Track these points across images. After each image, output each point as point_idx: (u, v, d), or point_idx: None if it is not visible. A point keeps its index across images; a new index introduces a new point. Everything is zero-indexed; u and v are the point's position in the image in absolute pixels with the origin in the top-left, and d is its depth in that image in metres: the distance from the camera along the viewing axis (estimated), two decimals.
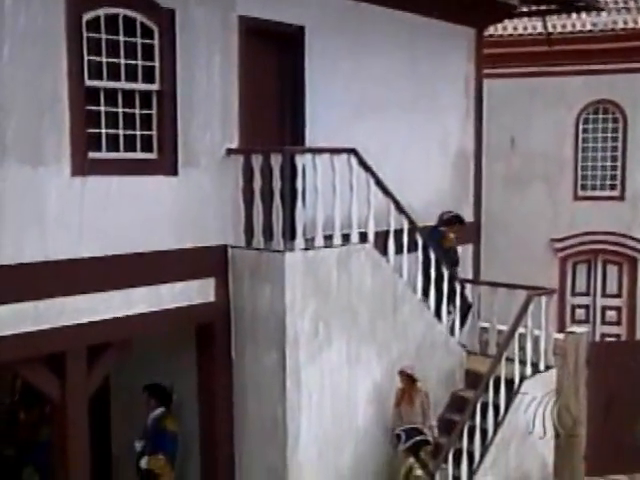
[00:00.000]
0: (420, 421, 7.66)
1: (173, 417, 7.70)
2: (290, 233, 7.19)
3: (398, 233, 8.30)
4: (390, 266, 8.14)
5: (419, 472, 7.02)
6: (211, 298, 7.34)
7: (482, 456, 8.18)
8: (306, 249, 7.25)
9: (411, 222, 8.40)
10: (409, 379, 7.75)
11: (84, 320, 6.36)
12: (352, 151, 7.65)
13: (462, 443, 7.98)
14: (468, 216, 10.29)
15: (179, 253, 7.02)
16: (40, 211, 6.09)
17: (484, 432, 8.26)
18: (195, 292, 7.20)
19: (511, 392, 8.53)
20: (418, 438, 7.62)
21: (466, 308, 9.25)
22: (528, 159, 14.84)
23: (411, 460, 7.08)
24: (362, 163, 7.76)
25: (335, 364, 7.51)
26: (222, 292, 7.38)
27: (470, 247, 10.44)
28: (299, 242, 7.18)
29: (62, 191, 6.22)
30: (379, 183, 7.99)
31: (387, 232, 8.22)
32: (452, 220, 9.48)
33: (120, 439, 8.66)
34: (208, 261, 7.27)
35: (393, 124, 9.06)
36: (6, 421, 9.06)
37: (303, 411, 7.24)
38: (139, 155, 6.84)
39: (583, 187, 14.99)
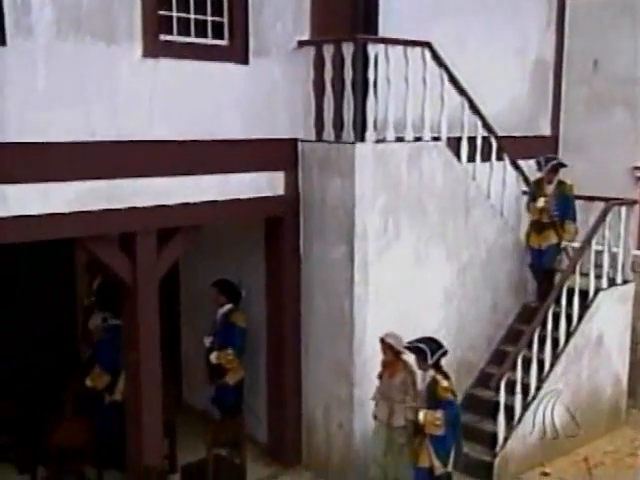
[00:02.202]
0: (399, 399, 6.68)
1: (241, 312, 7.76)
2: (361, 125, 7.05)
3: (471, 140, 8.09)
4: (462, 167, 7.93)
5: (445, 383, 6.32)
6: (280, 192, 7.31)
7: (552, 364, 8.00)
8: (377, 142, 7.11)
9: (485, 124, 8.13)
10: (391, 351, 6.70)
11: (155, 203, 6.38)
12: (427, 45, 7.41)
13: (532, 351, 7.82)
14: (545, 129, 9.91)
15: (249, 144, 6.96)
16: (113, 90, 6.09)
17: (555, 342, 8.09)
18: (264, 185, 7.17)
19: (585, 303, 8.30)
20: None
21: None
22: (611, 83, 14.10)
23: (432, 372, 6.34)
24: (436, 58, 7.52)
25: (403, 262, 7.39)
26: (291, 186, 7.34)
27: None
28: (370, 134, 7.04)
29: (134, 71, 6.20)
30: (453, 80, 7.74)
31: (459, 139, 8.02)
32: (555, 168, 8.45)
33: (189, 335, 8.84)
34: (278, 154, 7.21)
35: (470, 25, 8.67)
36: (84, 322, 9.38)
37: (370, 306, 7.17)
38: (210, 41, 6.76)
39: None
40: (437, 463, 6.34)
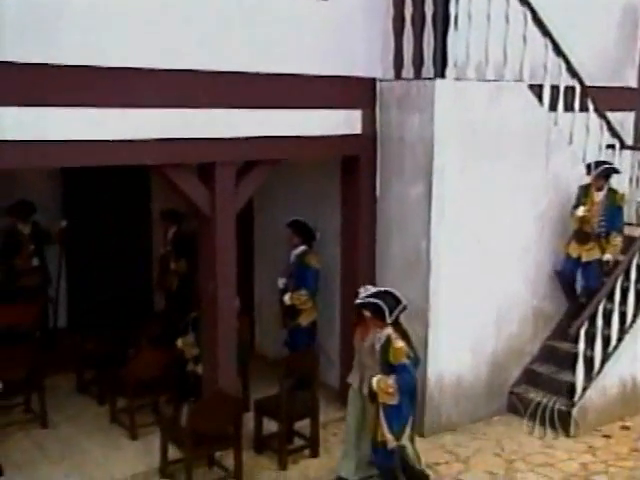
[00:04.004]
0: (369, 365, 5.82)
1: (315, 254, 7.76)
2: (441, 62, 6.93)
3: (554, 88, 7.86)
4: (545, 111, 7.71)
5: (400, 344, 5.58)
6: (357, 130, 7.25)
7: (635, 316, 7.73)
8: (457, 80, 6.98)
9: (569, 67, 7.88)
10: (359, 311, 5.84)
11: (234, 134, 6.41)
12: None
13: (614, 302, 7.57)
14: (631, 80, 9.55)
15: (327, 80, 6.91)
16: (197, 18, 6.14)
17: (639, 294, 7.81)
18: (342, 123, 7.11)
19: None
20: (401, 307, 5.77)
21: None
22: None
23: (389, 330, 5.63)
24: None
25: (481, 204, 7.23)
26: (368, 124, 7.27)
27: (631, 115, 9.70)
28: (450, 71, 6.91)
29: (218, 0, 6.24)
30: (537, 20, 7.52)
31: (541, 86, 7.80)
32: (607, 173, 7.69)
33: (262, 277, 8.89)
34: (355, 92, 7.16)
35: None
36: (160, 271, 9.56)
37: (447, 247, 7.07)
38: None
39: None
40: (389, 436, 5.67)
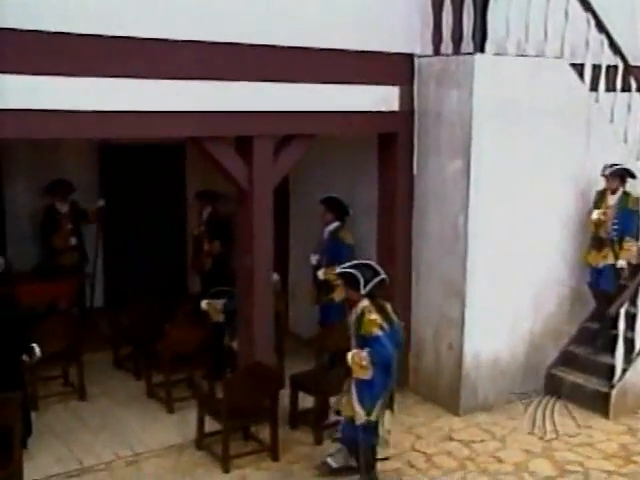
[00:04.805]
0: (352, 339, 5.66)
1: (349, 230, 7.74)
2: (481, 36, 6.87)
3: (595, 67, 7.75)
4: (585, 88, 7.60)
5: (373, 315, 5.41)
6: (395, 107, 7.21)
7: None
8: (497, 55, 6.91)
9: (612, 43, 7.76)
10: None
11: (272, 108, 6.41)
12: None
13: None
14: None
15: (366, 56, 6.88)
16: None
17: None
18: (379, 99, 7.09)
19: None
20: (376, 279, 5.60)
21: None
22: None
23: (365, 303, 5.47)
24: None
25: (519, 180, 7.15)
26: (406, 101, 7.24)
27: None
28: (490, 46, 6.84)
29: None
30: None
31: (582, 65, 7.68)
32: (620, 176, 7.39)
33: (296, 253, 8.90)
34: (393, 68, 7.13)
35: None
36: (194, 252, 9.62)
37: (485, 222, 7.00)
38: None
39: None
40: (359, 410, 5.49)
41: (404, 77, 7.21)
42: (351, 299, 5.64)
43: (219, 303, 7.33)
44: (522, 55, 7.11)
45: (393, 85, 7.17)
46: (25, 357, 6.10)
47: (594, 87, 7.76)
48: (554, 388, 7.61)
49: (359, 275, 5.50)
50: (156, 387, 7.33)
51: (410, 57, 7.21)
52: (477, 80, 6.76)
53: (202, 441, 6.41)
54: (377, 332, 5.39)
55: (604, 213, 7.41)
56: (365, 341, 5.44)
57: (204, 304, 7.34)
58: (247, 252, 6.64)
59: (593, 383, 7.41)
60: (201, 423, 6.39)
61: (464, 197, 6.93)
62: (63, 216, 9.04)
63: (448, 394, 7.26)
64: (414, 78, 7.24)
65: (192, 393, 7.16)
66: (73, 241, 9.10)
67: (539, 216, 7.37)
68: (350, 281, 5.56)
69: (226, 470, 6.05)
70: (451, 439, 6.73)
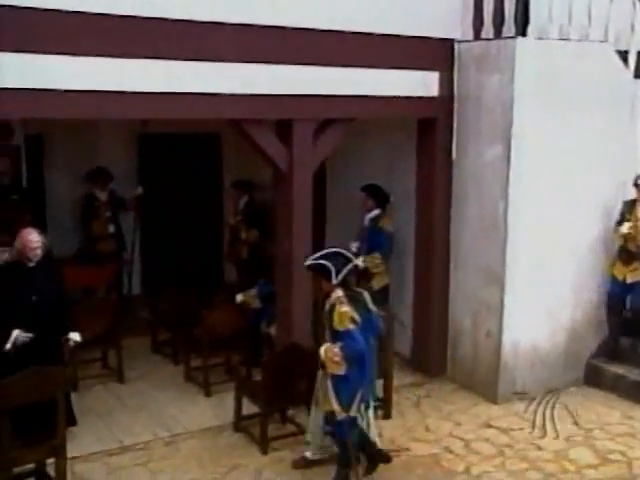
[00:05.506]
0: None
1: (389, 217, 7.70)
2: (523, 20, 6.80)
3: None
4: (630, 74, 7.47)
5: (344, 307, 5.18)
6: (434, 92, 7.16)
7: None
8: (539, 38, 6.83)
9: None
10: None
11: (312, 92, 6.41)
12: None
13: None
14: None
15: (405, 41, 6.84)
16: None
17: None
18: (419, 84, 7.04)
19: None
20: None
21: None
22: None
23: (338, 293, 5.22)
24: None
25: (560, 167, 7.05)
26: (446, 86, 7.18)
27: None
28: (532, 29, 6.77)
29: None
30: None
31: (626, 52, 7.56)
32: None
33: (333, 239, 8.84)
34: (433, 53, 7.09)
35: None
36: (230, 241, 9.66)
37: (525, 210, 6.91)
38: None
39: None
40: (337, 407, 5.30)
41: (444, 62, 7.16)
42: (325, 289, 5.41)
43: (253, 290, 7.38)
44: (565, 39, 7.02)
45: (433, 70, 7.12)
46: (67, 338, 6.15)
47: (639, 74, 7.64)
48: (595, 379, 7.50)
49: (330, 265, 5.27)
50: (194, 371, 7.37)
51: (450, 42, 7.16)
52: (518, 64, 6.69)
53: (240, 423, 6.42)
54: (349, 326, 5.17)
55: (635, 226, 7.10)
56: (337, 335, 5.23)
57: (239, 298, 7.41)
58: (286, 237, 6.64)
59: (635, 374, 7.29)
60: (239, 405, 6.41)
61: (504, 183, 6.85)
62: (102, 204, 9.13)
63: (486, 384, 7.19)
64: (454, 63, 7.18)
65: (230, 376, 7.18)
66: (111, 229, 9.19)
67: (580, 204, 7.26)
68: (321, 272, 5.34)
69: (264, 452, 6.06)
70: (489, 426, 6.67)
